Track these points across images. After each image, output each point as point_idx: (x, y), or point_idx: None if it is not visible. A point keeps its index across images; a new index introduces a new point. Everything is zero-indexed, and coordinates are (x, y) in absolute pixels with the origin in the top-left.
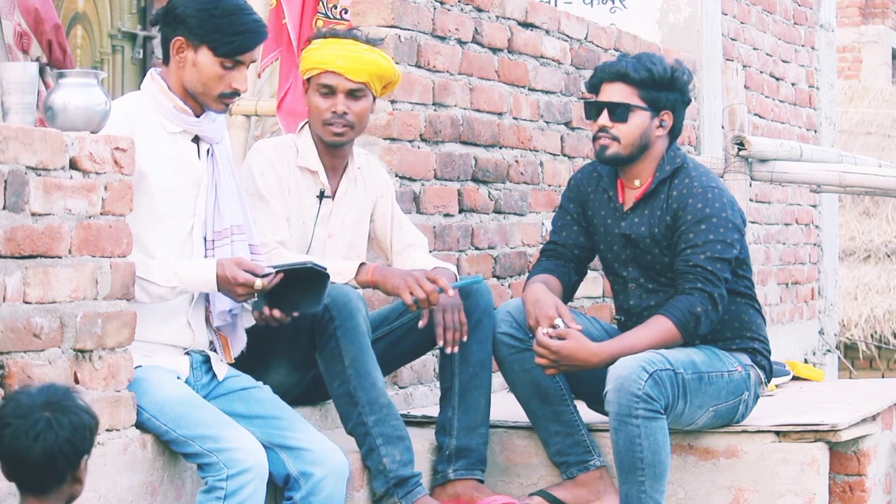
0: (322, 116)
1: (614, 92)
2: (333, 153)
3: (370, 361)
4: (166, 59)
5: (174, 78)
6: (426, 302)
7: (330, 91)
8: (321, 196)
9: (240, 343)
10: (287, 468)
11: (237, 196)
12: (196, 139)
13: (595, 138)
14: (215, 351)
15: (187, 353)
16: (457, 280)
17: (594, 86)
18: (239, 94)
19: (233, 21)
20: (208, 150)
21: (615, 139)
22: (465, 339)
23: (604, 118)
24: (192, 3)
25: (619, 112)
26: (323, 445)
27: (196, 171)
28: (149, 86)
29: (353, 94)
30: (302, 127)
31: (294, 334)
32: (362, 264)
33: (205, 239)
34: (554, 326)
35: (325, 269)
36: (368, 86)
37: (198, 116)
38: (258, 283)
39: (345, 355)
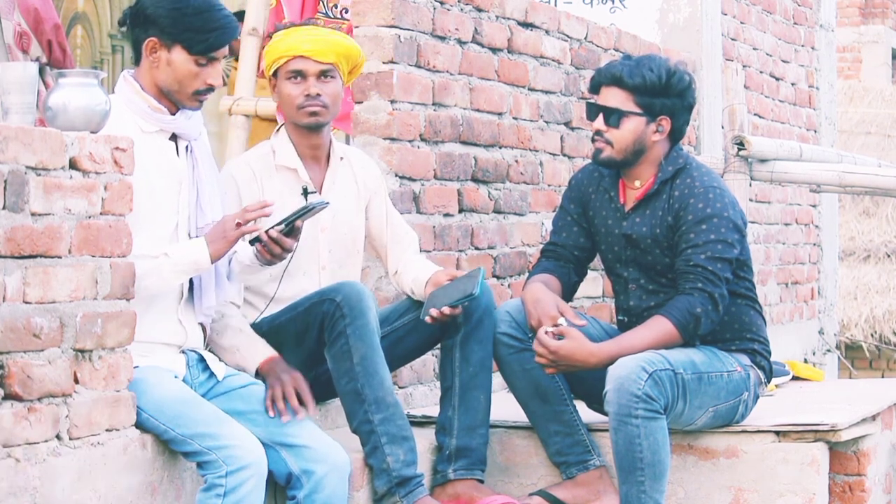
0: (295, 102)
1: (610, 96)
2: (311, 143)
3: (379, 360)
4: (137, 60)
5: (147, 78)
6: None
7: (300, 76)
8: (305, 192)
9: None
10: (289, 466)
11: (217, 190)
12: (173, 137)
13: (593, 140)
14: (211, 351)
15: (182, 353)
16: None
17: (594, 87)
18: (213, 90)
19: (205, 19)
20: (187, 147)
21: (609, 143)
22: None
23: (599, 122)
24: (162, 3)
25: (613, 117)
26: (324, 443)
27: (177, 168)
28: (122, 87)
29: (323, 76)
30: (278, 129)
31: (303, 330)
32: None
33: (189, 236)
34: (557, 325)
35: (326, 204)
36: (337, 67)
37: (173, 114)
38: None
39: (354, 353)
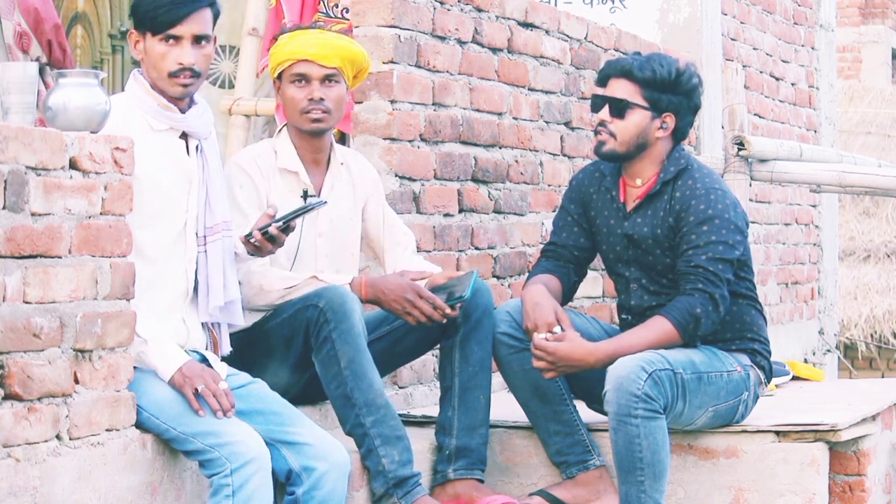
0: (299, 106)
1: (618, 88)
2: (313, 147)
3: (366, 363)
4: None
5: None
6: (429, 320)
7: (304, 79)
8: (305, 195)
9: (225, 346)
10: (289, 463)
11: (224, 190)
12: (184, 136)
13: (595, 132)
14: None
15: (185, 353)
16: (448, 277)
17: (602, 80)
18: (192, 72)
19: None
20: (197, 147)
21: (612, 135)
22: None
23: (604, 113)
24: None
25: (619, 108)
26: (324, 440)
27: (187, 167)
28: (132, 87)
29: (327, 80)
30: (280, 130)
31: (290, 335)
32: (352, 281)
33: (196, 235)
34: (552, 332)
35: (324, 203)
36: (341, 71)
37: (183, 112)
38: (223, 384)
39: (341, 357)
